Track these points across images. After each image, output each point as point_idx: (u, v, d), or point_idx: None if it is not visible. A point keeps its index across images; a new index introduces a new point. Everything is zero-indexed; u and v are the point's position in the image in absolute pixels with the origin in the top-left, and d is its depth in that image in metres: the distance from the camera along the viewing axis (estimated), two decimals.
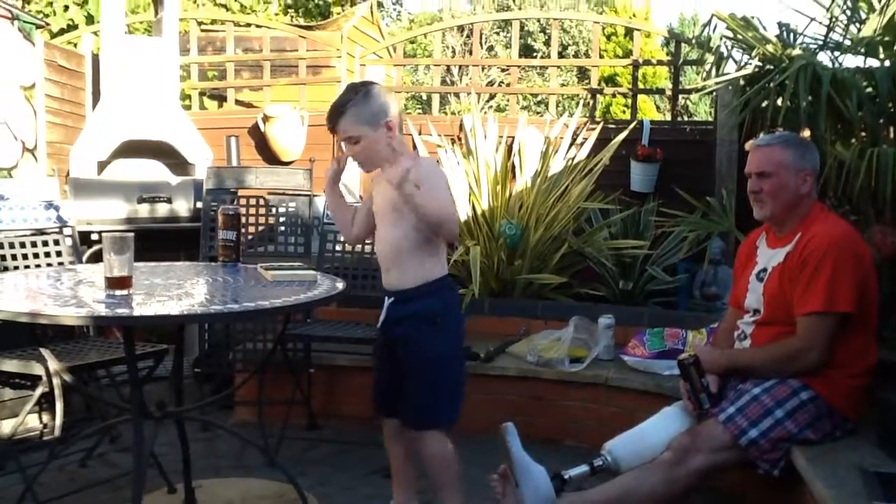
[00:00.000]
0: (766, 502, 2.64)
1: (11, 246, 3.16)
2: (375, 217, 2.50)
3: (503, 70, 13.80)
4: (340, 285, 2.51)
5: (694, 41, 4.74)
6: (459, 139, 5.02)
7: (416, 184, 2.23)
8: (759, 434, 2.35)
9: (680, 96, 5.47)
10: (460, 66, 14.10)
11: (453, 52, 14.79)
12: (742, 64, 4.10)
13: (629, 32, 12.45)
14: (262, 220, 3.95)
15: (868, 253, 2.52)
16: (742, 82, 4.19)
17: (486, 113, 6.00)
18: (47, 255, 3.25)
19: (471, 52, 6.54)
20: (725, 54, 4.21)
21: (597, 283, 4.31)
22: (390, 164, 2.40)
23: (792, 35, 3.90)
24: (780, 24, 3.94)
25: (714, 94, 4.81)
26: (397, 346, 2.43)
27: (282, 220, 3.94)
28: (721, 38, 4.13)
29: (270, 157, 5.43)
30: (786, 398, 2.39)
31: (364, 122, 2.35)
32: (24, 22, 4.68)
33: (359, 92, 2.37)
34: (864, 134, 3.52)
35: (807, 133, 3.50)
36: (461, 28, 13.75)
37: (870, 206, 3.34)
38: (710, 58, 4.34)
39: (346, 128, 2.37)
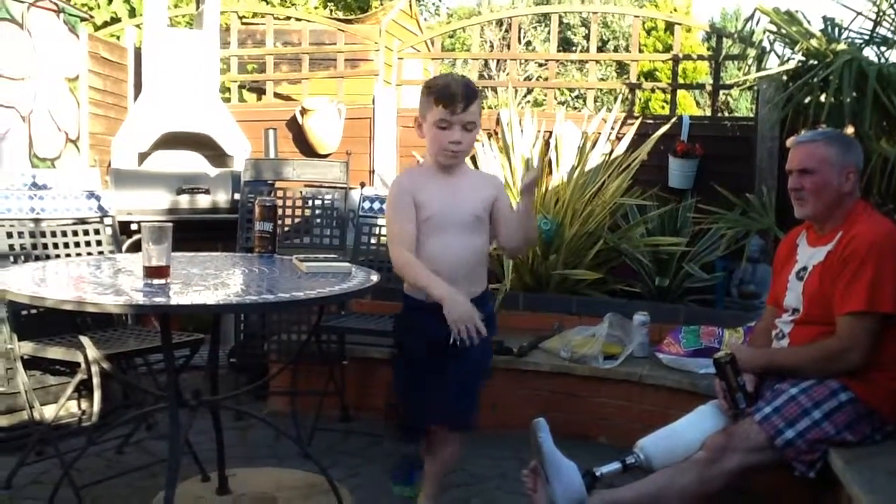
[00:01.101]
0: None
1: (54, 234, 3.22)
2: (435, 225, 2.28)
3: (541, 64, 13.74)
4: (375, 278, 2.51)
5: (736, 35, 4.66)
6: (496, 133, 5.00)
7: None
8: (796, 435, 2.31)
9: (720, 92, 5.39)
10: (498, 61, 14.07)
11: (491, 46, 14.75)
12: (785, 59, 4.04)
13: (670, 27, 12.31)
14: (298, 211, 3.98)
15: None
16: (785, 78, 4.13)
17: (523, 107, 5.97)
18: (88, 243, 3.30)
19: (509, 47, 6.50)
20: (768, 49, 4.15)
21: (632, 279, 4.27)
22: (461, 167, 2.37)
23: (837, 30, 3.83)
24: (824, 19, 3.87)
25: (755, 89, 4.74)
26: (464, 351, 2.20)
27: (318, 212, 3.96)
28: (764, 33, 4.08)
29: (308, 149, 5.46)
30: (824, 399, 2.35)
31: (480, 109, 2.31)
32: (70, 15, 4.76)
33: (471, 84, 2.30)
34: None
35: (850, 130, 3.44)
36: (499, 22, 13.71)
37: None
38: (752, 52, 4.28)
39: (475, 110, 2.25)
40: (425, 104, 2.25)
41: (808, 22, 3.92)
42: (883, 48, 3.71)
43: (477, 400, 2.41)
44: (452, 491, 2.77)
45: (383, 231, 3.79)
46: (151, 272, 2.24)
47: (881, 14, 3.67)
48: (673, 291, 4.21)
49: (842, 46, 3.65)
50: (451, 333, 2.15)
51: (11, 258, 3.06)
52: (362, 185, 5.14)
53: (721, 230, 4.27)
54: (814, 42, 3.76)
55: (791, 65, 3.95)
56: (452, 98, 2.20)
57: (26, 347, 2.88)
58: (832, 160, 2.47)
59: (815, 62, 3.66)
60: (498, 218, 2.37)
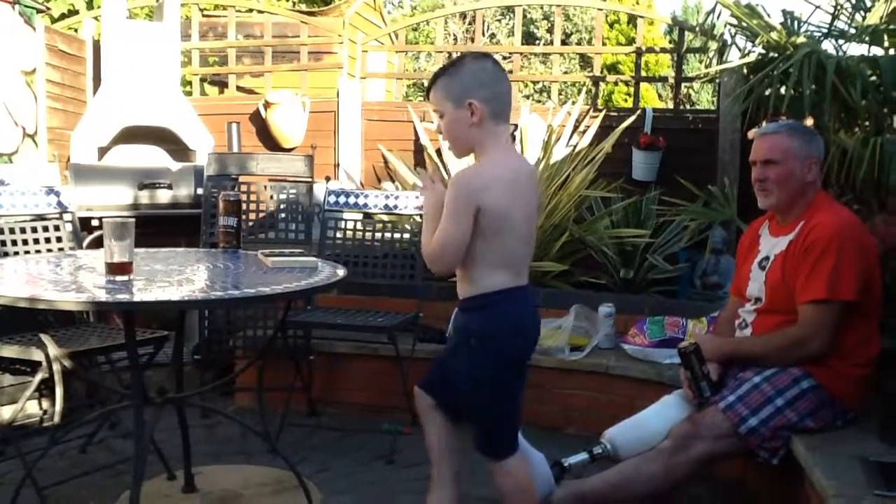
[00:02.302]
0: (766, 491, 2.64)
1: (12, 231, 3.15)
2: None
3: (505, 57, 13.74)
4: (341, 272, 2.50)
5: (697, 29, 4.71)
6: None
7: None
8: (759, 422, 2.35)
9: (683, 84, 5.44)
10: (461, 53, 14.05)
11: (455, 39, 14.73)
12: (746, 52, 4.09)
13: (632, 20, 12.39)
14: (262, 206, 3.94)
15: (872, 242, 2.52)
16: (745, 70, 4.18)
17: None
18: (48, 240, 3.24)
19: (473, 40, 6.50)
20: (729, 42, 4.20)
21: (598, 271, 4.30)
22: (476, 154, 2.08)
23: (796, 23, 3.88)
24: (784, 12, 3.92)
25: (717, 82, 4.79)
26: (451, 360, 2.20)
27: (282, 206, 3.93)
28: (725, 26, 4.12)
29: (271, 143, 5.41)
30: (786, 387, 2.39)
31: (448, 96, 2.03)
32: (25, 6, 4.65)
33: (459, 62, 2.06)
34: (867, 123, 3.51)
35: (810, 122, 3.49)
36: (463, 15, 13.69)
37: (873, 196, 3.33)
38: (713, 45, 4.32)
39: (435, 98, 2.08)
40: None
41: (769, 15, 3.97)
42: (841, 41, 3.77)
43: None
44: (417, 484, 2.77)
45: (349, 225, 3.78)
46: (114, 269, 2.21)
47: (839, 7, 3.72)
48: (638, 283, 4.25)
49: (801, 39, 3.71)
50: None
51: None
52: (327, 178, 5.10)
53: (684, 221, 4.31)
54: (774, 35, 3.81)
55: (752, 57, 4.00)
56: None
57: None
58: (795, 151, 2.51)
59: (776, 55, 3.71)
60: None
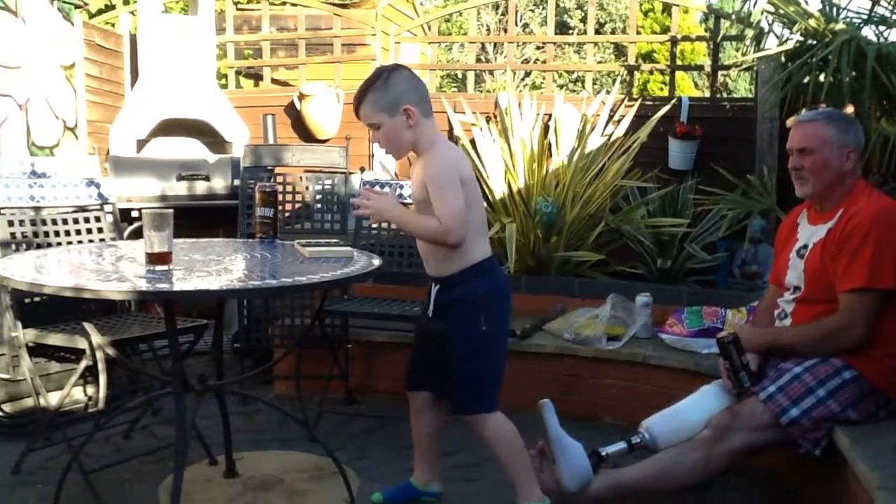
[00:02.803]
0: (807, 482, 2.61)
1: (54, 223, 3.21)
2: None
3: (539, 47, 13.69)
4: (377, 262, 2.52)
5: (734, 16, 4.65)
6: (495, 117, 4.99)
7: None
8: (801, 413, 2.33)
9: (719, 73, 5.38)
10: (495, 44, 14.00)
11: (488, 29, 14.68)
12: (783, 39, 4.04)
13: (667, 8, 12.25)
14: (298, 197, 3.97)
15: None
16: (783, 58, 4.13)
17: (521, 91, 5.96)
18: (89, 231, 3.30)
19: (506, 30, 6.48)
20: (766, 29, 4.14)
21: (634, 261, 4.28)
22: (417, 151, 2.36)
23: (835, 9, 3.82)
24: None
25: (754, 70, 4.73)
26: (444, 331, 2.40)
27: (318, 197, 3.96)
28: (762, 13, 4.07)
29: (306, 134, 5.45)
30: (828, 377, 2.36)
31: (382, 108, 2.28)
32: (64, 2, 4.73)
33: (379, 77, 2.30)
34: None
35: (850, 109, 3.44)
36: (496, 5, 13.64)
37: None
38: (750, 33, 4.27)
39: (366, 114, 2.31)
40: None
41: (806, 2, 3.91)
42: (882, 27, 3.70)
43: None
44: (459, 472, 2.78)
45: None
46: (154, 258, 2.24)
47: None
48: (675, 273, 4.22)
49: (840, 26, 3.65)
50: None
51: (13, 246, 3.06)
52: (362, 169, 5.14)
53: (722, 211, 4.27)
54: (812, 22, 3.76)
55: (789, 45, 3.95)
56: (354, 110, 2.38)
57: (30, 335, 2.88)
58: (832, 139, 2.47)
59: (814, 42, 3.66)
60: None
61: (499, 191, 4.53)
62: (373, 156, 5.33)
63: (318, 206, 3.97)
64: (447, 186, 2.26)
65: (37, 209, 3.21)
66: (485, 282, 2.36)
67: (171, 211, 2.27)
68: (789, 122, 3.71)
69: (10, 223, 3.09)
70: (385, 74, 2.31)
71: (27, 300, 2.98)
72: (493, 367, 2.41)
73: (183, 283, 2.16)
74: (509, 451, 2.40)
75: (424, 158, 2.34)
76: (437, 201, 2.26)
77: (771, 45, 4.13)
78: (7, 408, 3.20)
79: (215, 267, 2.40)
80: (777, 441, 2.38)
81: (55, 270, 2.33)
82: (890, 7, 3.70)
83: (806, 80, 3.61)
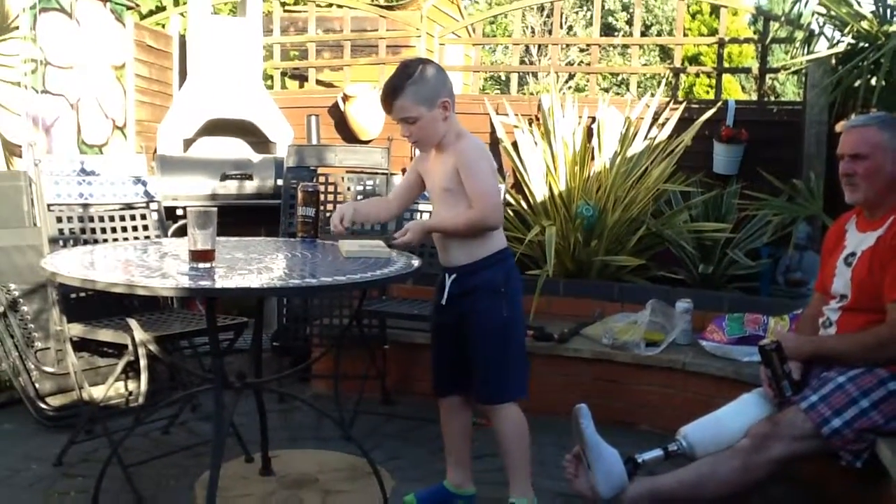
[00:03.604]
0: (848, 495, 2.55)
1: (101, 220, 3.28)
2: (430, 196, 2.51)
3: (583, 49, 13.61)
4: (416, 263, 2.52)
5: (783, 18, 4.57)
6: (537, 119, 4.97)
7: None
8: (843, 424, 2.27)
9: (767, 76, 5.29)
10: (539, 46, 13.96)
11: (533, 31, 14.64)
12: (834, 42, 3.96)
13: (715, 10, 12.09)
14: (340, 197, 4.00)
15: None
16: (834, 61, 4.04)
17: (564, 93, 5.92)
18: (135, 228, 3.36)
19: (550, 32, 6.45)
20: (816, 31, 4.06)
21: (675, 266, 4.22)
22: (443, 143, 2.39)
23: (889, 11, 3.73)
24: (876, 0, 3.77)
25: (803, 73, 4.64)
26: (464, 321, 2.43)
27: (360, 197, 3.98)
28: (812, 15, 3.99)
29: (349, 135, 5.49)
30: (872, 388, 2.30)
31: (421, 101, 2.30)
32: (116, 3, 4.83)
33: (415, 70, 2.30)
34: None
35: None
36: (541, 7, 13.60)
37: None
38: (799, 35, 4.19)
39: (405, 106, 2.30)
40: None
41: (859, 3, 3.82)
42: None
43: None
44: (494, 475, 2.77)
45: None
46: (197, 256, 2.27)
47: None
48: (717, 279, 4.15)
49: (894, 28, 3.56)
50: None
51: (61, 242, 3.13)
52: (403, 170, 5.15)
53: (767, 217, 4.20)
54: (864, 24, 3.68)
55: (840, 47, 3.87)
56: (382, 103, 2.38)
57: (76, 329, 2.95)
58: (885, 145, 2.41)
59: (866, 44, 3.58)
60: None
61: (540, 193, 4.51)
62: (414, 157, 5.34)
63: None
64: (484, 171, 2.35)
65: (85, 206, 3.28)
66: (503, 269, 2.42)
67: (215, 209, 2.30)
68: (839, 126, 3.63)
69: (59, 220, 3.16)
70: (420, 67, 2.31)
71: (72, 295, 3.05)
72: (518, 351, 2.48)
73: (225, 280, 2.18)
74: (518, 444, 2.45)
75: (456, 148, 2.37)
76: (474, 186, 2.32)
77: (821, 48, 4.05)
78: (52, 401, 3.28)
79: (256, 265, 2.42)
80: (818, 451, 2.33)
81: (103, 267, 2.38)
82: None
83: (857, 83, 3.53)
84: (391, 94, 2.31)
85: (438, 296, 2.48)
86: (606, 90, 13.11)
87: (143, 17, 6.53)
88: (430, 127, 2.32)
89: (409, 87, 2.29)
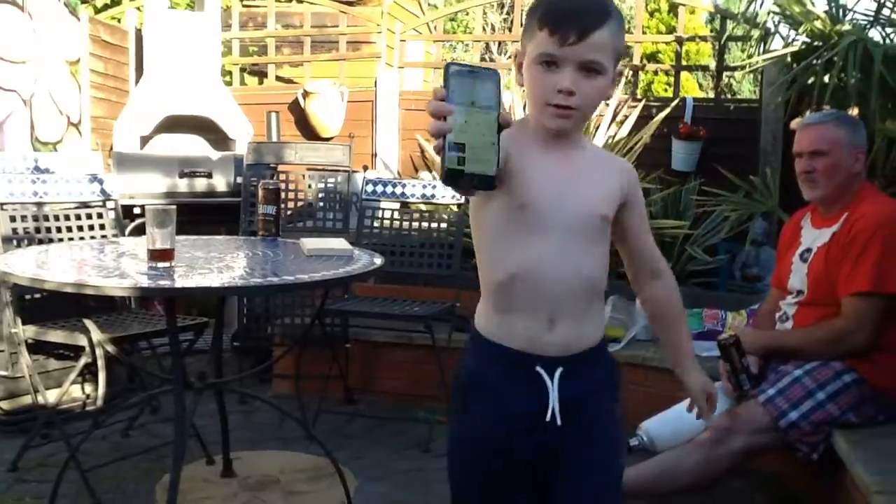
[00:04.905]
0: (806, 486, 2.61)
1: (56, 218, 3.21)
2: (535, 220, 1.34)
3: None
4: (378, 261, 2.51)
5: (740, 17, 4.63)
6: None
7: None
8: (800, 416, 2.32)
9: (724, 74, 5.36)
10: (500, 43, 13.99)
11: (493, 28, 14.67)
12: (789, 40, 4.02)
13: (673, 8, 12.22)
14: (301, 195, 3.97)
15: None
16: (789, 59, 4.11)
17: (524, 89, 5.93)
18: (91, 227, 3.30)
19: (511, 29, 6.47)
20: (772, 30, 4.12)
21: None
22: (577, 138, 1.43)
23: (841, 11, 3.80)
24: (829, 0, 3.84)
25: (759, 71, 4.71)
26: (564, 451, 1.40)
27: (321, 195, 3.96)
28: (768, 14, 4.05)
29: (310, 132, 5.44)
30: (828, 380, 2.35)
31: (615, 51, 1.35)
32: None
33: (615, 8, 1.35)
34: None
35: (855, 111, 3.42)
36: (501, 4, 13.62)
37: None
38: (755, 34, 4.25)
39: (603, 43, 1.31)
40: (528, 28, 1.37)
41: (812, 3, 3.89)
42: (889, 29, 3.68)
43: None
44: None
45: (387, 214, 3.79)
46: (156, 255, 2.24)
47: None
48: (676, 274, 4.18)
49: (846, 27, 3.63)
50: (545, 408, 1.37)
51: (15, 242, 3.06)
52: (365, 168, 5.13)
53: (724, 213, 4.25)
54: (818, 23, 3.74)
55: (795, 46, 3.93)
56: (563, 19, 1.30)
57: (30, 331, 2.89)
58: (843, 141, 2.46)
59: (820, 43, 3.64)
60: (625, 230, 1.50)
61: None
62: (376, 154, 5.32)
63: (321, 204, 3.97)
64: None
65: (39, 205, 3.21)
66: (609, 354, 1.53)
67: (174, 207, 2.26)
68: (794, 123, 3.69)
69: (13, 219, 3.08)
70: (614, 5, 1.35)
71: (27, 296, 2.99)
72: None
73: (185, 280, 2.15)
74: None
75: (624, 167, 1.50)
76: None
77: (777, 47, 4.11)
78: (5, 405, 3.21)
79: (217, 264, 2.39)
80: (776, 444, 2.38)
81: (56, 266, 2.33)
82: (892, 8, 3.68)
83: (811, 81, 3.59)
84: (603, 16, 1.31)
85: (529, 409, 1.38)
86: None
87: (98, 10, 6.41)
88: (598, 96, 1.35)
89: (616, 20, 1.33)
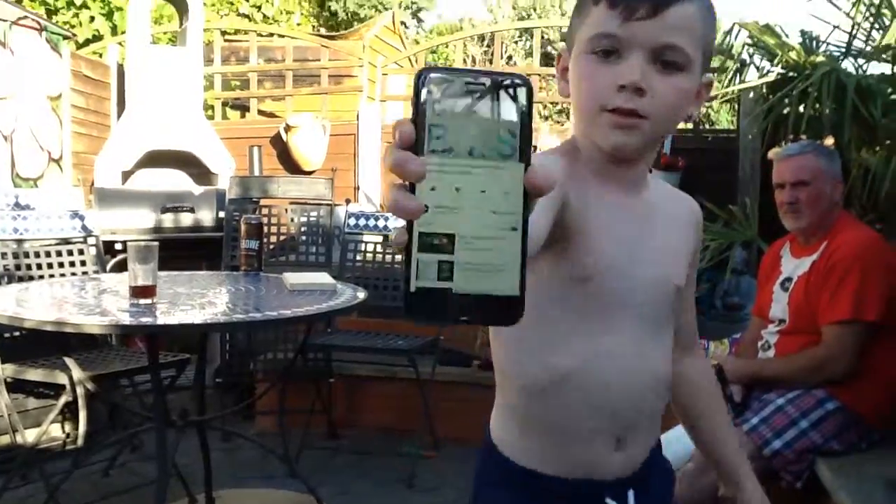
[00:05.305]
0: None
1: (37, 255, 3.19)
2: (605, 297, 0.98)
3: None
4: (361, 295, 2.51)
5: (715, 49, 4.71)
6: None
7: None
8: (784, 444, 2.33)
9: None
10: None
11: (474, 60, 14.80)
12: (764, 71, 4.08)
13: None
14: (283, 229, 3.97)
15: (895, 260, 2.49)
16: (765, 90, 4.17)
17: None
18: (72, 264, 3.28)
19: (491, 62, 6.54)
20: (747, 61, 4.19)
21: None
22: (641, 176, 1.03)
23: (815, 42, 3.87)
24: (802, 32, 3.92)
25: (736, 101, 4.78)
26: None
27: (303, 229, 3.96)
28: (743, 46, 4.11)
29: (292, 166, 5.46)
30: (811, 408, 2.36)
31: (703, 39, 0.97)
32: (52, 33, 4.75)
33: None
34: (888, 141, 3.49)
35: (830, 141, 3.47)
36: (482, 37, 13.77)
37: (895, 214, 3.30)
38: (731, 65, 4.32)
39: (692, 22, 0.94)
40: (579, 8, 0.99)
41: (786, 35, 3.96)
42: (861, 60, 3.76)
43: None
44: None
45: (369, 248, 3.79)
46: (138, 292, 2.23)
47: (856, 26, 3.71)
48: None
49: (820, 59, 3.70)
50: None
51: None
52: (347, 201, 5.13)
53: (705, 242, 4.28)
54: (792, 55, 3.81)
55: (770, 77, 4.00)
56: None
57: (8, 370, 2.85)
58: (824, 171, 2.50)
59: (794, 74, 3.70)
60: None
61: None
62: (358, 188, 5.34)
63: (304, 237, 3.97)
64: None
65: (19, 241, 3.19)
66: None
67: (157, 244, 2.26)
68: (771, 153, 3.74)
69: None
70: None
71: (6, 334, 2.96)
72: None
73: (167, 316, 2.14)
74: None
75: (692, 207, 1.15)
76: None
77: (752, 78, 4.18)
78: None
79: (199, 300, 2.39)
80: (760, 472, 2.35)
81: (37, 304, 2.31)
82: (864, 40, 3.76)
83: (786, 111, 3.65)
84: None
85: None
86: (547, 118, 13.30)
87: (79, 46, 6.43)
88: (678, 102, 0.95)
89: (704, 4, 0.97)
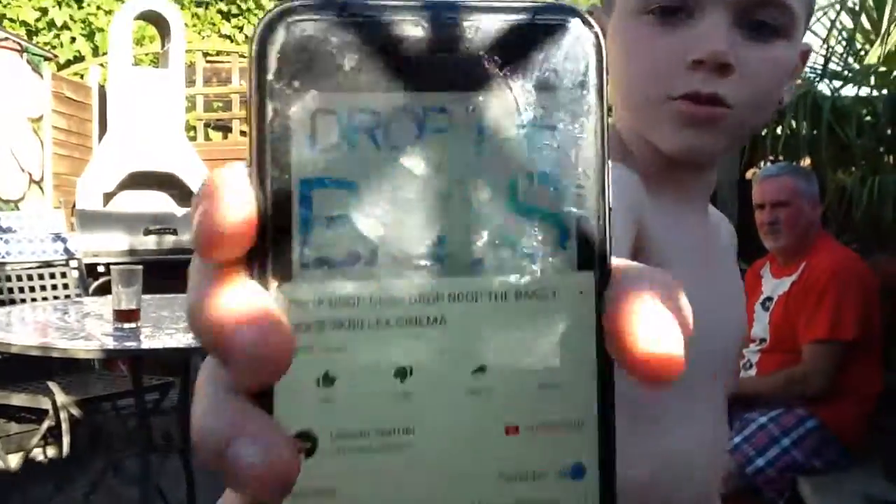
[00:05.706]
0: None
1: (19, 279, 3.18)
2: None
3: None
4: None
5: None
6: None
7: None
8: (766, 463, 2.35)
9: None
10: None
11: None
12: None
13: None
14: None
15: (872, 280, 2.54)
16: None
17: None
18: (54, 287, 3.27)
19: None
20: None
21: None
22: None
23: None
24: None
25: None
26: None
27: None
28: None
29: None
30: (792, 427, 2.39)
31: (809, 4, 0.69)
32: (33, 54, 4.75)
33: None
34: (864, 162, 3.56)
35: (807, 161, 3.54)
36: None
37: (872, 234, 3.36)
38: None
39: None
40: None
41: None
42: (836, 82, 3.83)
43: None
44: None
45: None
46: (122, 316, 2.23)
47: (830, 50, 3.79)
48: None
49: (796, 81, 3.77)
50: None
51: None
52: None
53: None
54: None
55: None
56: None
57: None
58: (803, 191, 2.54)
59: None
60: None
61: None
62: None
63: None
64: None
65: (1, 265, 3.18)
66: None
67: (141, 267, 2.27)
68: (749, 173, 3.80)
69: None
70: None
71: None
72: None
73: (151, 340, 2.15)
74: None
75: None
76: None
77: None
78: None
79: (183, 324, 2.38)
80: (743, 491, 2.40)
81: (19, 328, 2.31)
82: (840, 63, 3.84)
83: (763, 132, 3.71)
84: None
85: None
86: None
87: (60, 67, 6.42)
88: (782, 75, 0.69)
89: None
